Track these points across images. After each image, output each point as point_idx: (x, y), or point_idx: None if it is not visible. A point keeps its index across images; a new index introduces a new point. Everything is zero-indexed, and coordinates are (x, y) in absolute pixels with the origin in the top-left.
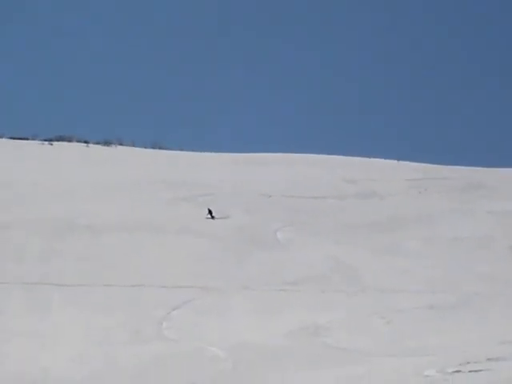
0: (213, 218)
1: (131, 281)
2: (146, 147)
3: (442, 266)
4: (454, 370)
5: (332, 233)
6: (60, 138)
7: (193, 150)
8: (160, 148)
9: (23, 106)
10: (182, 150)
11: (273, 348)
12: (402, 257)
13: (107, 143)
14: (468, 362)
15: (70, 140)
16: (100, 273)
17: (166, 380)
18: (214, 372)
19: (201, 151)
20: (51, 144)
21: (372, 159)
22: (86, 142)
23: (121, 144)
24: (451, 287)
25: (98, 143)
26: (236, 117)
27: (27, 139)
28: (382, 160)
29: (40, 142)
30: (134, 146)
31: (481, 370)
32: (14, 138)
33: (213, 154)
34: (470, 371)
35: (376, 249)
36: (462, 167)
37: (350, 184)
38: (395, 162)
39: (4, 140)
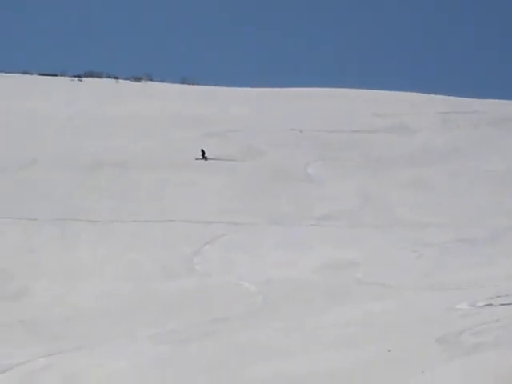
0: (205, 159)
1: (162, 216)
2: (175, 83)
3: (472, 199)
4: (485, 303)
5: (362, 167)
6: (90, 74)
7: (222, 85)
8: (189, 83)
9: (52, 42)
10: (211, 85)
11: (303, 282)
12: (431, 191)
13: (137, 79)
14: (498, 296)
15: (99, 76)
16: (130, 209)
17: (196, 314)
18: (244, 306)
19: (230, 86)
20: (81, 80)
21: (402, 93)
22: (115, 77)
23: (150, 80)
24: (481, 221)
25: (127, 79)
26: (265, 51)
27: (56, 75)
28: (413, 94)
29: (69, 78)
30: (163, 81)
31: None
32: (43, 75)
33: (242, 89)
34: (501, 304)
35: (406, 183)
36: (493, 100)
37: (380, 118)
38: (425, 95)
39: (33, 76)
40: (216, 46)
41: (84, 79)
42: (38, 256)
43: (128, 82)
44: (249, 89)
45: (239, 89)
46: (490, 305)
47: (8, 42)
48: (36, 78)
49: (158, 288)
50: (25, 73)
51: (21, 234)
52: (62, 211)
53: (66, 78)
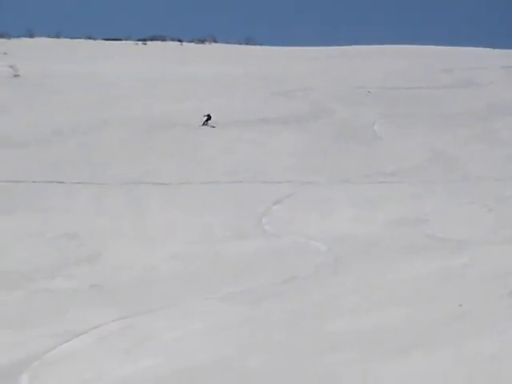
0: (206, 124)
1: (230, 177)
2: (240, 43)
3: None
4: None
5: (429, 123)
6: (153, 38)
7: (287, 45)
8: (254, 44)
9: (116, 7)
10: (276, 45)
11: (374, 240)
12: (501, 145)
13: (201, 41)
14: None
15: (163, 39)
16: (198, 170)
17: (267, 274)
18: (315, 265)
19: (295, 45)
20: (145, 44)
21: (467, 48)
22: (179, 40)
23: (215, 41)
24: None
25: (191, 41)
26: (328, 10)
27: (121, 40)
28: (477, 48)
29: (134, 42)
30: (227, 43)
31: None
32: (107, 39)
33: (307, 48)
34: None
35: (474, 137)
36: None
37: (445, 73)
38: (490, 49)
39: (98, 41)
40: (279, 5)
41: (148, 43)
42: (109, 220)
43: (192, 44)
44: (314, 48)
45: (304, 48)
46: None
47: (71, 7)
48: (100, 42)
49: (229, 249)
50: (89, 38)
51: (91, 198)
52: (131, 175)
53: (131, 42)
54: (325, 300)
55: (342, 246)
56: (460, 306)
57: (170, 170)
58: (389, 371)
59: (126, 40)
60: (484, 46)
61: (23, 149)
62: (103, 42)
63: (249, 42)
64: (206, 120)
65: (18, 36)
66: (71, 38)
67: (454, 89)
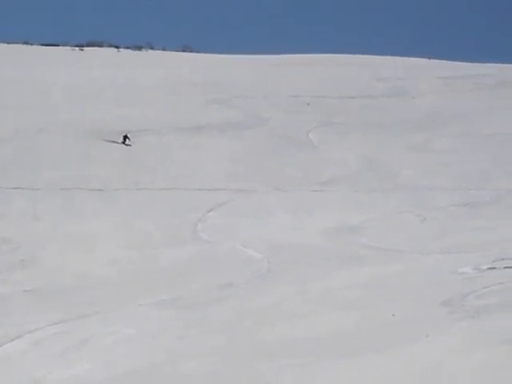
0: (125, 143)
1: (166, 184)
2: (177, 50)
3: (477, 162)
4: (489, 266)
5: (364, 132)
6: (91, 44)
7: (224, 53)
8: (191, 51)
9: (54, 13)
10: (213, 53)
11: (308, 248)
12: (435, 154)
13: (138, 47)
14: (503, 259)
15: (100, 45)
16: (135, 177)
17: (202, 280)
18: (249, 272)
19: (232, 54)
20: (82, 49)
21: (403, 58)
22: (116, 46)
23: (151, 48)
24: (486, 184)
25: (128, 48)
26: (264, 17)
27: (58, 45)
28: (413, 59)
29: (71, 47)
30: (164, 49)
31: None
32: (45, 45)
33: (244, 56)
34: (505, 267)
35: (409, 147)
36: (494, 64)
37: (381, 83)
38: (426, 60)
39: (35, 46)
40: (215, 12)
41: (85, 48)
42: (44, 225)
43: (129, 50)
44: (251, 56)
45: (241, 56)
46: (494, 268)
47: (7, 12)
48: (38, 48)
49: (164, 255)
50: (25, 43)
51: (26, 203)
52: (68, 180)
53: (68, 48)
54: (260, 307)
55: (277, 254)
56: (393, 315)
57: (106, 176)
58: (323, 377)
59: (64, 46)
60: (420, 57)
61: None
62: (40, 47)
63: (186, 49)
64: (124, 139)
65: None
66: (7, 42)
67: (390, 98)
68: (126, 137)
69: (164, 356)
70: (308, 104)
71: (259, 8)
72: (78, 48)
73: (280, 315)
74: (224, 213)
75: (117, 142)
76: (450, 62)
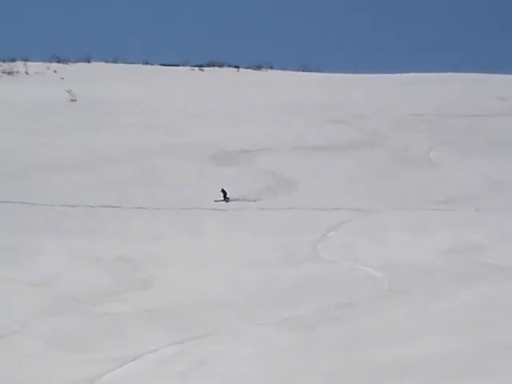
0: (226, 200)
1: (285, 204)
2: (296, 70)
3: None
4: None
5: (485, 151)
6: (211, 64)
7: (344, 72)
8: (310, 70)
9: (174, 33)
10: (332, 72)
11: (428, 267)
12: None
13: (258, 67)
14: None
15: (220, 65)
16: (253, 196)
17: (321, 300)
18: (369, 291)
19: (351, 73)
20: (202, 70)
21: None
22: (236, 66)
23: (271, 68)
24: None
25: (248, 67)
26: (382, 36)
27: (178, 65)
28: None
29: (191, 67)
30: (284, 69)
31: None
32: (164, 65)
33: (362, 76)
34: None
35: None
36: None
37: (502, 101)
38: None
39: (155, 67)
40: (334, 31)
41: (205, 69)
42: (163, 244)
43: (249, 70)
44: (369, 75)
45: (360, 75)
46: None
47: (129, 33)
48: (158, 68)
49: (283, 275)
50: (146, 63)
51: (145, 223)
52: (184, 200)
53: (187, 68)
54: (378, 327)
55: (396, 273)
56: None
57: (229, 195)
58: None
59: (183, 66)
60: None
61: (78, 173)
62: (160, 67)
63: (305, 68)
64: (224, 195)
65: (76, 61)
66: (128, 63)
67: (510, 117)
68: (225, 192)
69: (282, 376)
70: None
71: (379, 27)
72: (197, 68)
73: (399, 336)
74: (343, 232)
75: (217, 200)
76: None
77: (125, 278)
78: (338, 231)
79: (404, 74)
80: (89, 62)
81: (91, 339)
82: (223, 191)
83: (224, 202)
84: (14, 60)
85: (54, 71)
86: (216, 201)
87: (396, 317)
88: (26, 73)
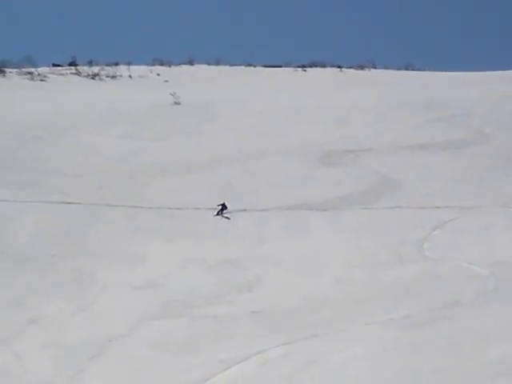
0: (221, 214)
1: (389, 202)
2: (399, 69)
3: None
4: None
5: None
6: (313, 64)
7: (446, 70)
8: (413, 69)
9: (276, 34)
10: (434, 70)
11: None
12: None
13: (360, 67)
14: None
15: (323, 65)
16: (357, 196)
17: (428, 299)
18: (476, 289)
19: (454, 71)
20: (305, 70)
21: None
22: (339, 66)
23: (374, 67)
24: None
25: (351, 67)
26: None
27: (280, 66)
28: None
29: (293, 68)
30: (387, 68)
31: None
32: (267, 66)
33: (465, 74)
34: None
35: None
36: None
37: None
38: None
39: (258, 68)
40: (437, 30)
41: (308, 69)
42: (269, 246)
43: (351, 70)
44: (471, 73)
45: (462, 73)
46: None
47: (231, 35)
48: (260, 69)
49: (389, 274)
50: (248, 65)
51: (251, 225)
52: (290, 201)
53: (290, 69)
54: (486, 325)
55: (503, 271)
56: None
57: (330, 195)
58: None
59: (286, 67)
60: None
61: (184, 177)
62: (263, 68)
63: (408, 67)
64: (221, 210)
65: (179, 64)
66: (231, 65)
67: None
68: (223, 206)
69: (391, 376)
70: None
71: (477, 25)
72: (300, 69)
73: (505, 334)
74: (448, 231)
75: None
76: None
77: (230, 281)
78: (443, 230)
79: (501, 72)
80: (192, 64)
81: (198, 342)
82: (223, 205)
83: (220, 216)
84: (117, 64)
85: (158, 74)
86: (215, 215)
87: (504, 315)
88: (130, 76)
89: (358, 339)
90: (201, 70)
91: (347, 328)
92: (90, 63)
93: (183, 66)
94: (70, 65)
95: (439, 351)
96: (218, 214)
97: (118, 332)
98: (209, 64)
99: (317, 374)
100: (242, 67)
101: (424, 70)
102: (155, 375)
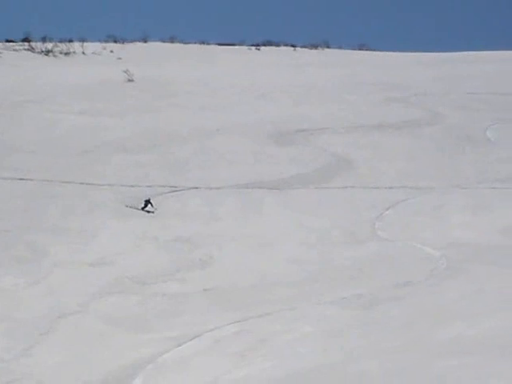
0: (144, 209)
1: (342, 182)
2: (353, 49)
3: None
4: None
5: None
6: (268, 43)
7: (400, 51)
8: (367, 49)
9: (231, 13)
10: (389, 51)
11: (487, 245)
12: None
13: (314, 46)
14: None
15: (277, 45)
16: (311, 175)
17: (380, 279)
18: (427, 270)
19: (407, 51)
20: (259, 49)
21: None
22: (293, 45)
23: (328, 47)
24: None
25: (305, 47)
26: (439, 15)
27: (234, 45)
28: None
29: (247, 47)
30: (340, 48)
31: None
32: (221, 44)
33: (418, 54)
34: None
35: None
36: None
37: None
38: None
39: (211, 46)
40: (392, 11)
41: (262, 48)
42: (222, 224)
43: (305, 49)
44: (425, 53)
45: (416, 54)
46: None
47: (186, 12)
48: (214, 47)
49: (341, 253)
50: (202, 43)
51: (203, 203)
52: (243, 180)
53: (244, 48)
54: (438, 305)
55: (455, 252)
56: None
57: (282, 174)
58: (499, 378)
59: (240, 45)
60: None
61: (138, 154)
62: (216, 46)
63: (362, 47)
64: (145, 205)
65: (132, 41)
66: (185, 43)
67: None
68: (148, 202)
69: (342, 354)
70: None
71: (433, 7)
72: (254, 47)
73: (459, 313)
74: (401, 211)
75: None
76: None
77: (183, 258)
78: (395, 210)
79: (457, 53)
80: (145, 41)
81: (151, 319)
82: (147, 201)
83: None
84: (71, 41)
85: (111, 51)
86: (142, 208)
87: (455, 295)
88: (83, 53)
89: (311, 318)
90: (155, 48)
91: (300, 307)
92: (44, 39)
93: (137, 43)
94: (24, 41)
95: (390, 331)
96: (142, 208)
97: (69, 308)
98: (163, 41)
99: (268, 352)
100: (196, 45)
101: (378, 50)
102: (106, 352)
